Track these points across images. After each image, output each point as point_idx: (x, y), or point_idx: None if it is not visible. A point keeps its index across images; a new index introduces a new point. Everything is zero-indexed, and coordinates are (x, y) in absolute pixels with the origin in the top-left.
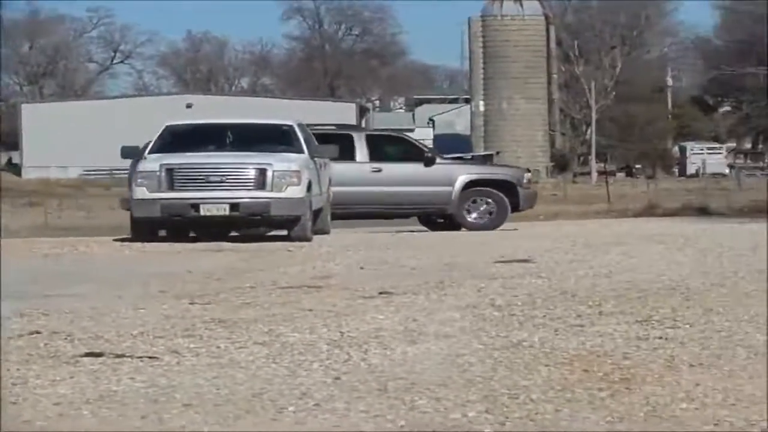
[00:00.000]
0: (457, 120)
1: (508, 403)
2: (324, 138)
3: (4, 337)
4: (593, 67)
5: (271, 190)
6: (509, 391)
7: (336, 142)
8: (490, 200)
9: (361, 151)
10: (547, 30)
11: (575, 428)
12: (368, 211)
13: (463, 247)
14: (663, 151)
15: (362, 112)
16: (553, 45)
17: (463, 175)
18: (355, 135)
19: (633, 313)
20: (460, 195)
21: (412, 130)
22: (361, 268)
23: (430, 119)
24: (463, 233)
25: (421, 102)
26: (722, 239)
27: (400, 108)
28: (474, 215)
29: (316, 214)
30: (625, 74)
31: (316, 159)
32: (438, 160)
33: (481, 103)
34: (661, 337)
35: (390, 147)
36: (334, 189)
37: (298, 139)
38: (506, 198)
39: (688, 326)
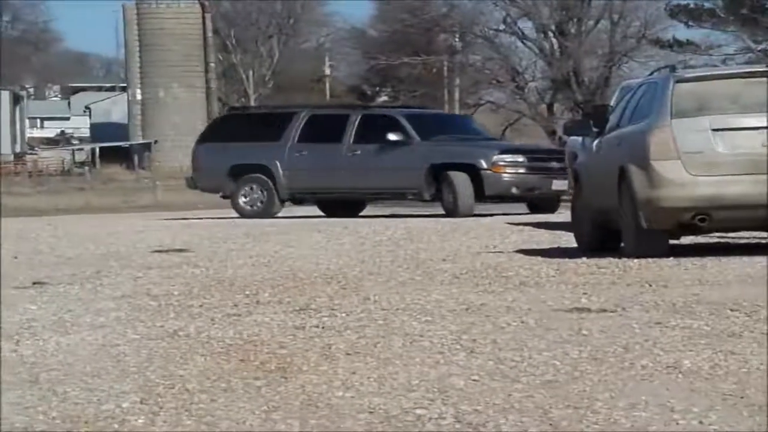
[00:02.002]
0: (114, 108)
1: (163, 393)
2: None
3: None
4: (251, 56)
5: None
6: (164, 381)
7: (333, 123)
8: (450, 184)
9: (350, 132)
10: (204, 18)
11: (231, 417)
12: (346, 196)
13: (121, 236)
14: None
15: (16, 99)
16: (209, 33)
17: (428, 157)
18: (351, 115)
19: (290, 302)
20: (427, 178)
21: (68, 119)
22: (15, 257)
23: (87, 107)
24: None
25: (76, 90)
26: (380, 228)
27: (56, 96)
28: (442, 199)
29: None
30: (283, 64)
31: None
32: (417, 140)
33: (138, 91)
34: (318, 326)
35: (378, 128)
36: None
37: None
38: (469, 182)
39: (345, 315)
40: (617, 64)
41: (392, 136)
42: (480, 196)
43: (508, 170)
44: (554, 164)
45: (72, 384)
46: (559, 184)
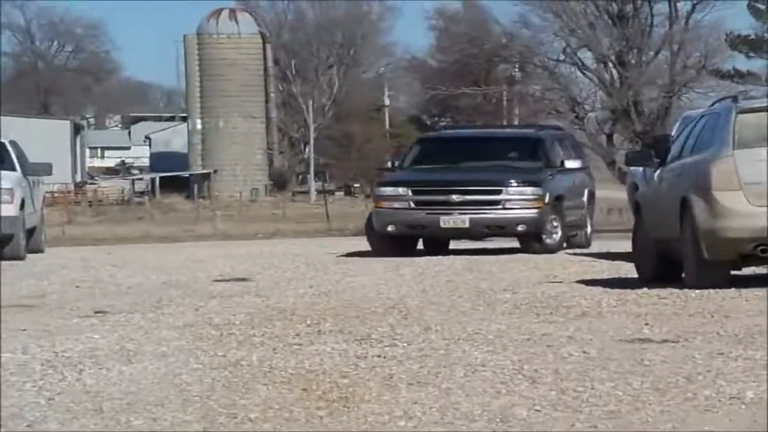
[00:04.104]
0: (174, 138)
1: (226, 422)
2: None
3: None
4: (311, 85)
5: None
6: (227, 410)
7: None
8: None
9: None
10: (264, 48)
11: None
12: None
13: (182, 265)
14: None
15: (77, 129)
16: (270, 63)
17: None
18: None
19: (352, 332)
20: None
21: (128, 148)
22: (77, 287)
23: (147, 137)
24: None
25: (137, 120)
26: (440, 258)
27: (116, 126)
28: None
29: (30, 232)
30: (343, 93)
31: (29, 177)
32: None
33: (198, 121)
34: (379, 356)
35: None
36: None
37: (10, 157)
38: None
39: (406, 344)
40: (677, 94)
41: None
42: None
43: (387, 205)
44: (454, 198)
45: (135, 413)
46: (449, 221)
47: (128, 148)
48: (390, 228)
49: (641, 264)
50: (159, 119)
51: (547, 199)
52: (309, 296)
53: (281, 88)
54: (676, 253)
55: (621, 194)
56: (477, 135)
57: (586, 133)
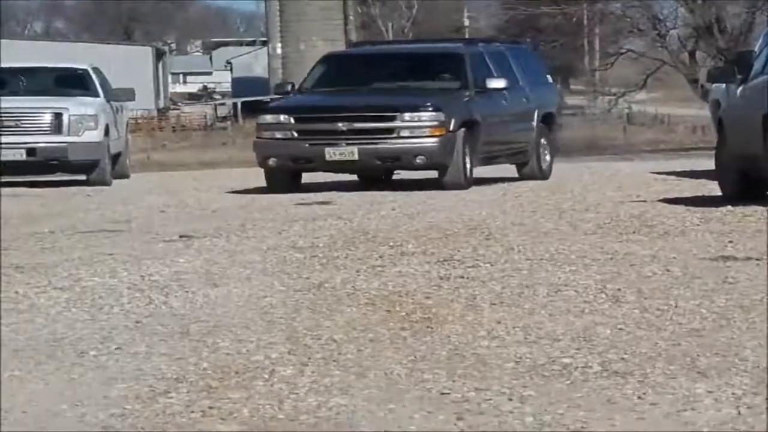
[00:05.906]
0: (255, 63)
1: (310, 343)
2: None
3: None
4: (389, 8)
5: (68, 135)
6: (311, 332)
7: None
8: None
9: None
10: None
11: (377, 367)
12: None
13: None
14: None
15: (159, 55)
16: None
17: None
18: None
19: (434, 253)
20: None
21: (209, 73)
22: (162, 211)
23: (228, 62)
24: None
25: (218, 45)
26: (520, 181)
27: (198, 51)
28: None
29: (115, 158)
30: (422, 15)
31: (112, 103)
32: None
33: (279, 45)
34: (462, 277)
35: None
36: None
37: (93, 83)
38: None
39: (488, 265)
40: (761, 9)
41: None
42: None
43: (268, 135)
44: (340, 126)
45: (221, 335)
46: (335, 153)
47: (210, 74)
48: (271, 161)
49: (724, 182)
50: (240, 44)
51: (452, 126)
52: (391, 218)
53: (360, 11)
54: (759, 171)
55: (704, 112)
56: (390, 52)
57: (668, 51)
